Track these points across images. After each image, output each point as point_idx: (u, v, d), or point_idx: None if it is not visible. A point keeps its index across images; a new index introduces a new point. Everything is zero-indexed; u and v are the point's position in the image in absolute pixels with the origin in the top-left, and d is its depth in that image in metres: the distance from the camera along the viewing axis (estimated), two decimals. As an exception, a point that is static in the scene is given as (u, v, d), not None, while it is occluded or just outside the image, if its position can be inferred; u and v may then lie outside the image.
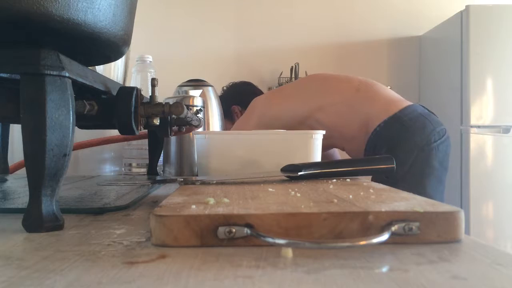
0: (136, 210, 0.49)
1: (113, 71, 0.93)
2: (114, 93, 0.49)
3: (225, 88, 2.00)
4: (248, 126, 1.41)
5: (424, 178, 1.27)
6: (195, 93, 0.98)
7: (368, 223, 0.32)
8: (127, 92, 0.48)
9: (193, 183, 0.55)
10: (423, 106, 1.36)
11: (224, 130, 1.76)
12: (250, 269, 0.27)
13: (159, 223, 0.32)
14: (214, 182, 0.56)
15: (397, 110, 1.30)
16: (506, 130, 2.35)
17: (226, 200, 0.39)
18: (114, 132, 0.64)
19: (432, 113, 1.35)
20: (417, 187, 1.24)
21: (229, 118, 1.81)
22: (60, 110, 0.37)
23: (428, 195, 1.18)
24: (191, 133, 0.85)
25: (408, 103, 1.34)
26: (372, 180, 1.23)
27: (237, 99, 1.85)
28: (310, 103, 1.38)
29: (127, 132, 0.48)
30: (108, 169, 1.09)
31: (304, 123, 1.37)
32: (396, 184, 1.23)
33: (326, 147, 1.45)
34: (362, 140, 1.32)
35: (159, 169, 0.87)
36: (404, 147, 1.27)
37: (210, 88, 1.02)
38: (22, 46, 0.38)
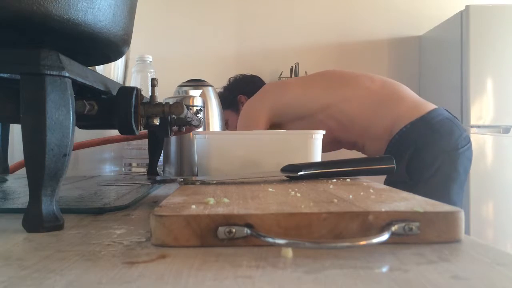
0: (136, 210, 0.49)
1: (113, 71, 0.93)
2: (114, 93, 0.49)
3: (232, 79, 1.94)
4: (258, 111, 1.36)
5: (449, 183, 1.26)
6: (195, 93, 0.98)
7: (368, 223, 0.32)
8: (127, 92, 0.48)
9: (193, 183, 0.55)
10: (446, 110, 1.35)
11: (226, 120, 1.73)
12: (250, 269, 0.27)
13: (159, 223, 0.32)
14: (214, 182, 0.56)
15: (424, 112, 1.29)
16: (506, 130, 2.35)
17: (226, 200, 0.39)
18: (114, 132, 0.64)
19: (455, 117, 1.35)
20: (442, 191, 1.23)
21: (233, 108, 1.76)
22: (60, 110, 0.37)
23: (452, 201, 1.18)
24: (191, 133, 0.85)
25: (434, 106, 1.34)
26: (387, 181, 1.20)
27: (245, 89, 1.79)
28: (336, 91, 1.34)
29: (127, 132, 0.48)
30: (108, 169, 1.09)
31: (324, 112, 1.33)
32: (416, 185, 1.23)
33: (343, 143, 1.41)
34: (385, 139, 1.31)
35: (159, 169, 0.87)
36: (431, 150, 1.26)
37: (210, 88, 1.02)
38: (22, 46, 0.38)
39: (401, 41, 2.99)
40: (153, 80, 0.54)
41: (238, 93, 1.80)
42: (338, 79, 1.40)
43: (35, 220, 0.37)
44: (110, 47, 0.46)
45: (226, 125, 1.77)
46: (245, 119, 1.39)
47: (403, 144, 1.28)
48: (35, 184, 0.37)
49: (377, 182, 0.55)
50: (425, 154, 1.25)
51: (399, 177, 1.26)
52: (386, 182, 1.16)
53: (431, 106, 1.33)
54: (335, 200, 0.38)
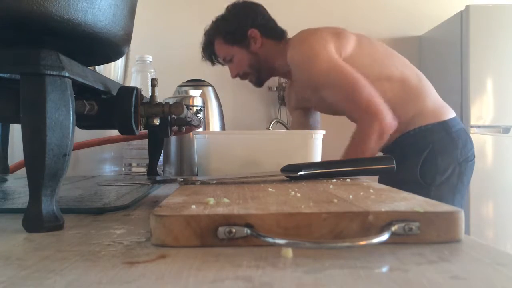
0: (136, 210, 0.49)
1: (113, 71, 0.93)
2: (114, 93, 0.49)
3: (232, 7, 1.52)
4: (332, 53, 1.21)
5: (455, 192, 1.28)
6: (195, 93, 0.98)
7: (368, 223, 0.32)
8: (127, 92, 0.48)
9: (193, 183, 0.55)
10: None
11: (230, 57, 1.41)
12: (250, 269, 0.27)
13: (159, 223, 0.32)
14: (214, 182, 0.56)
15: (446, 117, 1.29)
16: (506, 130, 2.35)
17: (226, 200, 0.39)
18: (114, 132, 0.64)
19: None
20: (447, 199, 1.24)
21: (242, 44, 1.40)
22: (60, 110, 0.37)
23: None
24: (191, 133, 0.85)
25: (454, 113, 1.33)
26: (396, 179, 1.13)
27: (256, 22, 1.41)
28: (395, 64, 1.29)
29: (127, 132, 0.48)
30: (108, 169, 1.09)
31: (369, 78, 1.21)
32: (428, 189, 1.23)
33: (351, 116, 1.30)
34: (400, 128, 1.24)
35: (159, 169, 0.87)
36: (446, 157, 1.26)
37: (210, 88, 1.02)
38: (22, 46, 0.38)
39: (401, 41, 2.99)
40: (153, 80, 0.54)
41: (249, 26, 1.42)
42: (399, 55, 1.36)
43: (35, 220, 0.37)
44: (110, 47, 0.46)
45: (230, 62, 1.46)
46: (328, 63, 1.20)
47: (418, 143, 1.26)
48: (35, 184, 0.37)
49: (376, 182, 0.55)
50: (440, 159, 1.25)
51: (412, 177, 1.25)
52: (396, 180, 1.11)
53: (452, 113, 1.32)
54: (335, 200, 0.38)
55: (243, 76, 1.47)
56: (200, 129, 0.86)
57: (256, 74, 1.45)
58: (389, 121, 1.16)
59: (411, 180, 1.25)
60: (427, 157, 1.26)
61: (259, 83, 1.49)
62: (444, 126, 1.27)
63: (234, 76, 1.47)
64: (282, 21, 1.47)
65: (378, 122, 1.15)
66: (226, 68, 1.55)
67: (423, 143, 1.26)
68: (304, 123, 1.54)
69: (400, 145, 1.29)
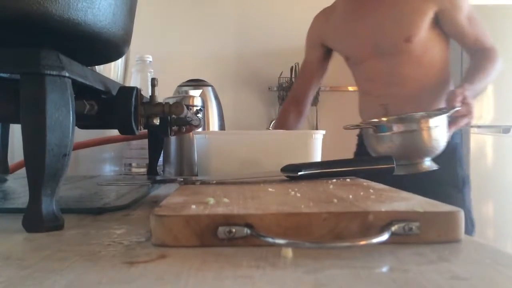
0: (136, 210, 0.49)
1: (113, 71, 0.93)
2: (114, 93, 0.49)
3: None
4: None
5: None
6: (195, 93, 0.98)
7: (368, 223, 0.32)
8: (127, 92, 0.48)
9: (193, 183, 0.55)
10: None
11: None
12: (250, 269, 0.27)
13: (159, 223, 0.32)
14: (214, 182, 0.56)
15: None
16: (506, 130, 2.35)
17: (226, 200, 0.38)
18: (114, 132, 0.64)
19: None
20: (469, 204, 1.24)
21: None
22: (60, 110, 0.37)
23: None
24: (191, 133, 0.85)
25: None
26: (429, 180, 1.04)
27: None
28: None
29: (127, 132, 0.48)
30: (108, 169, 1.09)
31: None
32: (461, 191, 1.19)
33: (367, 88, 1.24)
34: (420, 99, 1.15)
35: (159, 169, 0.87)
36: (464, 159, 1.24)
37: (210, 88, 1.02)
38: (22, 46, 0.38)
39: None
40: (153, 80, 0.54)
41: None
42: None
43: (35, 220, 0.37)
44: (110, 47, 0.46)
45: None
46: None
47: (453, 138, 1.13)
48: (35, 184, 0.37)
49: (376, 182, 0.55)
50: (464, 158, 1.22)
51: (452, 182, 1.18)
52: (430, 181, 1.03)
53: None
54: (335, 200, 0.38)
55: None
56: (200, 129, 0.86)
57: None
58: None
59: (451, 185, 1.17)
60: (460, 156, 1.19)
61: None
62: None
63: None
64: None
65: (500, 64, 1.12)
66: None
67: (455, 139, 1.16)
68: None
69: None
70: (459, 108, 0.92)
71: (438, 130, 0.90)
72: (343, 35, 1.30)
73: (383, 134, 0.92)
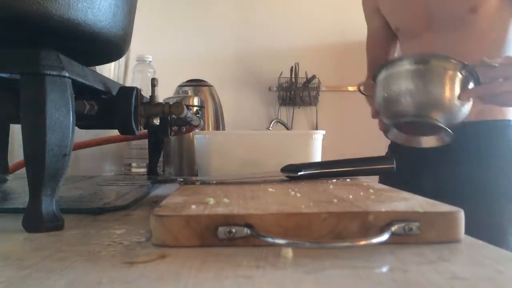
0: (136, 210, 0.49)
1: (113, 71, 0.93)
2: (114, 93, 0.49)
3: None
4: None
5: None
6: (195, 93, 0.98)
7: (368, 223, 0.32)
8: (127, 92, 0.48)
9: (193, 183, 0.55)
10: None
11: None
12: (250, 269, 0.27)
13: (159, 223, 0.32)
14: (214, 182, 0.56)
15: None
16: (506, 130, 2.34)
17: (226, 200, 0.39)
18: (114, 132, 0.64)
19: None
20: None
21: None
22: (60, 110, 0.37)
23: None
24: (191, 133, 0.85)
25: None
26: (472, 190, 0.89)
27: None
28: None
29: (127, 132, 0.48)
30: (108, 169, 1.09)
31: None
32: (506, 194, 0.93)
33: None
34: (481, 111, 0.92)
35: (159, 169, 0.87)
36: None
37: (210, 88, 1.02)
38: (22, 46, 0.38)
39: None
40: (153, 80, 0.54)
41: None
42: None
43: (35, 220, 0.37)
44: (110, 47, 0.46)
45: None
46: None
47: (501, 140, 0.94)
48: (35, 184, 0.37)
49: (376, 182, 0.55)
50: None
51: (505, 189, 0.91)
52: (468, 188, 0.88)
53: None
54: (335, 200, 0.38)
55: None
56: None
57: None
58: None
59: (500, 191, 0.91)
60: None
61: None
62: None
63: None
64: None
65: None
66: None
67: (505, 141, 0.94)
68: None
69: (478, 136, 0.94)
70: (498, 70, 0.72)
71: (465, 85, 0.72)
72: (394, 2, 1.08)
73: (401, 69, 0.75)
